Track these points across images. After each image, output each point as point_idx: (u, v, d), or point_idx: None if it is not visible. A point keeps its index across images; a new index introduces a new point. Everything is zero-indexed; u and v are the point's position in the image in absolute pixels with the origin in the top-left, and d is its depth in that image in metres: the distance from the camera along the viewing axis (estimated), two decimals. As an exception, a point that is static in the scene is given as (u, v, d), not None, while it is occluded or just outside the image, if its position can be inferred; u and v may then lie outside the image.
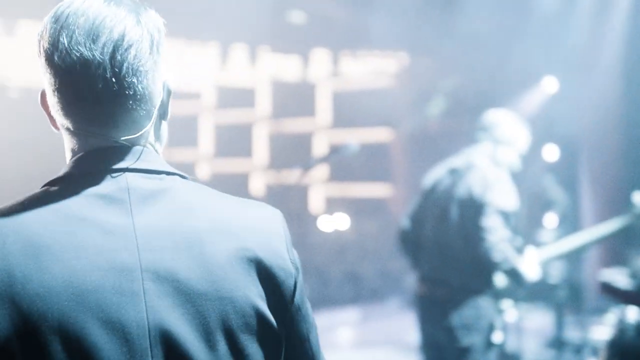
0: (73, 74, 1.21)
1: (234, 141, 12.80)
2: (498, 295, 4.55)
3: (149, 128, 1.30)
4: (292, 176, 3.70)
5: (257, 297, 1.24)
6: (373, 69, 12.62)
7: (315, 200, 12.79)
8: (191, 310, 1.19)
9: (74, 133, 1.28)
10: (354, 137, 3.91)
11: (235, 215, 1.29)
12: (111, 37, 1.22)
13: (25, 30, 12.36)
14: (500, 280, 4.55)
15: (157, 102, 1.31)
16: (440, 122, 11.55)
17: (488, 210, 4.34)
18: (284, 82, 12.85)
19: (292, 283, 1.30)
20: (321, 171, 12.71)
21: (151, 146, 1.33)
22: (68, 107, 1.26)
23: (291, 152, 12.27)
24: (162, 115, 1.36)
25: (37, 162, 11.40)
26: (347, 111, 12.16)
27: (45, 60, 1.25)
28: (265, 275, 1.26)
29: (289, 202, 12.06)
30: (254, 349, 1.24)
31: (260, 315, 1.24)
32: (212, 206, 1.28)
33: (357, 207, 11.97)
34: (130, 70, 1.24)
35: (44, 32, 1.24)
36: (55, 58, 1.23)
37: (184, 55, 11.98)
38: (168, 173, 1.29)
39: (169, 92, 1.36)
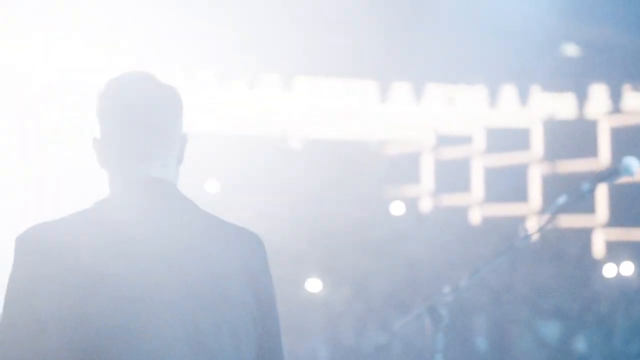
0: (117, 119, 1.74)
1: (506, 184, 12.37)
2: None
3: (170, 162, 1.78)
4: (564, 204, 3.25)
5: (246, 293, 1.75)
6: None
7: (598, 245, 11.92)
8: (202, 292, 1.68)
9: (116, 165, 1.76)
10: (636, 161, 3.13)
11: (234, 234, 1.81)
12: (145, 95, 1.74)
13: (302, 85, 13.02)
14: None
15: (177, 146, 1.80)
16: None
17: None
18: (559, 121, 12.23)
19: (271, 289, 1.82)
20: (603, 214, 11.85)
21: (172, 180, 1.82)
22: (113, 142, 1.75)
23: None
24: (179, 159, 1.84)
25: (322, 211, 11.91)
26: (633, 149, 11.24)
27: (98, 111, 1.74)
28: (254, 278, 1.77)
29: (568, 246, 11.35)
30: (241, 328, 1.73)
31: (248, 306, 1.74)
32: (218, 226, 1.79)
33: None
34: (157, 118, 1.75)
35: (99, 95, 1.75)
36: (106, 109, 1.75)
37: (452, 99, 11.87)
38: (185, 199, 1.78)
39: (184, 141, 1.82)
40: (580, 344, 9.17)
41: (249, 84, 12.28)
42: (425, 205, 13.38)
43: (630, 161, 3.04)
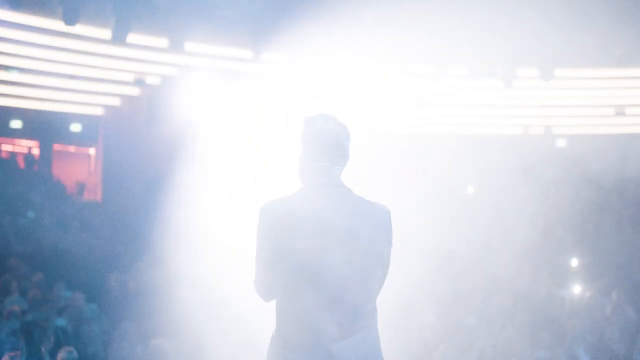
0: (322, 141, 2.89)
1: None
2: None
3: (341, 166, 2.90)
4: None
5: (381, 244, 2.85)
6: None
7: None
8: (353, 241, 2.77)
9: (312, 166, 2.87)
10: None
11: (374, 208, 2.87)
12: (331, 129, 2.90)
13: (563, 77, 12.35)
14: None
15: (346, 158, 2.92)
16: None
17: None
18: None
19: (389, 246, 2.90)
20: None
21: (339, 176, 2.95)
22: (314, 152, 2.88)
23: None
24: (345, 164, 2.94)
25: (589, 212, 11.13)
26: None
27: (311, 135, 2.89)
28: (383, 235, 2.86)
29: None
30: (378, 265, 2.85)
31: (381, 252, 2.85)
32: (364, 203, 2.87)
33: None
34: (339, 140, 2.90)
35: (309, 123, 2.91)
36: (308, 136, 2.90)
37: None
38: (346, 187, 2.90)
39: (349, 155, 2.94)
40: None
41: (504, 80, 11.87)
42: None
43: None
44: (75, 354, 5.05)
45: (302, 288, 2.70)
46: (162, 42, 10.48)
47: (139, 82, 11.97)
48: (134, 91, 12.65)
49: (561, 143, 13.85)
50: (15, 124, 12.95)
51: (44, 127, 13.09)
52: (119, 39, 9.05)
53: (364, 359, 2.72)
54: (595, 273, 9.00)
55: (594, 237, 10.14)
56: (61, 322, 5.88)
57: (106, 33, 9.36)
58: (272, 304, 2.83)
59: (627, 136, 13.33)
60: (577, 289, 8.60)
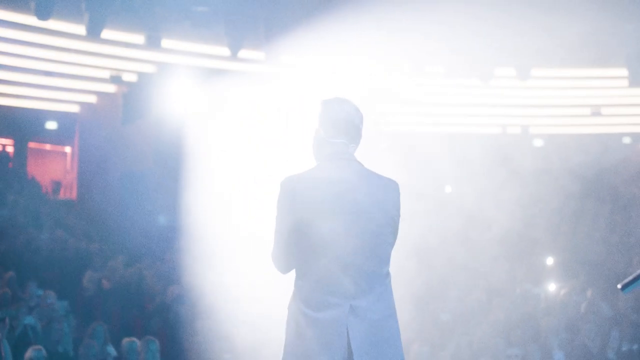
0: (334, 122, 3.14)
1: None
2: None
3: (356, 144, 3.17)
4: None
5: (392, 212, 3.09)
6: None
7: None
8: (364, 211, 3.02)
9: (329, 143, 3.12)
10: None
11: (385, 181, 3.11)
12: (347, 110, 3.16)
13: (539, 76, 12.38)
14: None
15: (360, 137, 3.19)
16: None
17: None
18: None
19: (398, 216, 3.11)
20: None
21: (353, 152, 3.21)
22: (333, 130, 3.12)
23: None
24: (359, 142, 3.21)
25: (566, 209, 11.17)
26: None
27: (321, 117, 3.14)
28: (394, 204, 3.09)
29: None
30: (390, 231, 3.08)
31: (393, 220, 3.08)
32: (375, 176, 3.11)
33: None
34: (354, 120, 3.16)
35: (328, 105, 3.16)
36: (326, 116, 3.15)
37: None
38: (359, 163, 3.14)
39: (362, 134, 3.21)
40: None
41: (482, 79, 11.88)
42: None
43: None
44: (43, 352, 4.98)
45: (321, 254, 2.92)
46: (138, 38, 10.37)
47: (115, 79, 11.86)
48: (110, 88, 12.57)
49: (538, 142, 13.90)
50: (-11, 121, 12.81)
51: (18, 124, 12.97)
52: (93, 34, 8.92)
53: (381, 312, 2.96)
54: (570, 271, 9.03)
55: (570, 235, 10.17)
56: (30, 320, 5.80)
57: (80, 29, 9.24)
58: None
59: (603, 136, 13.40)
60: (552, 286, 8.62)
